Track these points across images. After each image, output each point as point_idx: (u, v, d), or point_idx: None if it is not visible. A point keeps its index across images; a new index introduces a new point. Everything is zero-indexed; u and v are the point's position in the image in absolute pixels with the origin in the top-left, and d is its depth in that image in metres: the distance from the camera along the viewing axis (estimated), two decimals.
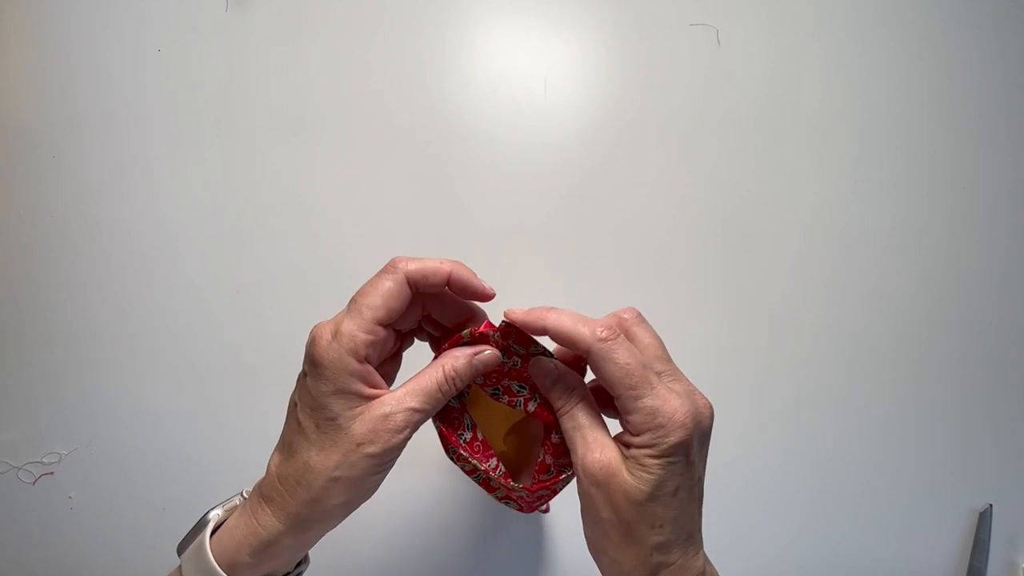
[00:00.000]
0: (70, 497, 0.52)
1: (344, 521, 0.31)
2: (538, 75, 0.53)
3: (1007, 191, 0.55)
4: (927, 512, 0.54)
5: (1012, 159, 0.55)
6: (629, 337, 0.30)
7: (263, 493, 0.30)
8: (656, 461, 0.26)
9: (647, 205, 0.54)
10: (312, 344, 0.29)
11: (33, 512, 0.51)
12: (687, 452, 0.27)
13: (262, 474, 0.32)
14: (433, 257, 0.31)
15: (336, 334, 0.28)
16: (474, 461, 0.32)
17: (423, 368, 0.31)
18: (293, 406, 0.30)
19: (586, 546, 0.30)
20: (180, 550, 0.31)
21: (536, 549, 0.52)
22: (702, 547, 0.30)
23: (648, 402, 0.27)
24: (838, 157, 0.55)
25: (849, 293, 0.54)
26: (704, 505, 0.30)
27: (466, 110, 0.53)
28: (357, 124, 0.53)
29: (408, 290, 0.30)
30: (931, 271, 0.55)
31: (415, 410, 0.29)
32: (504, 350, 0.32)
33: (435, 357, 0.32)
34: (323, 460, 0.28)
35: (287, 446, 0.30)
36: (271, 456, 0.31)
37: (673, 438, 0.26)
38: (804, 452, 0.54)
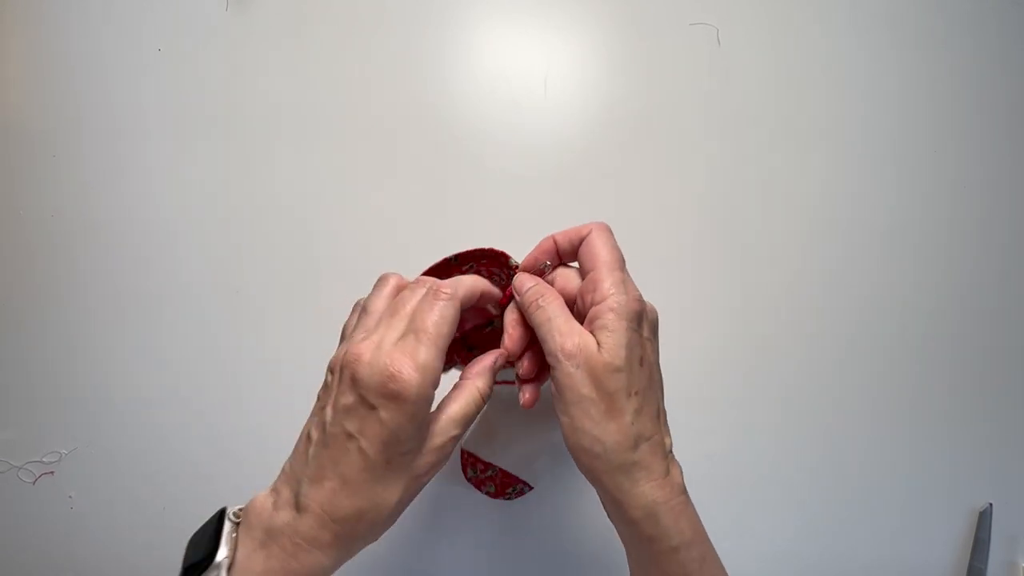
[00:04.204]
0: (70, 497, 0.52)
1: None
2: (538, 75, 0.53)
3: (1007, 191, 0.55)
4: (927, 512, 0.54)
5: (1012, 159, 0.55)
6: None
7: (303, 534, 0.28)
8: (620, 322, 0.30)
9: (646, 204, 0.54)
10: (392, 379, 0.27)
11: (33, 512, 0.51)
12: (639, 322, 0.31)
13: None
14: (464, 277, 0.34)
15: (421, 368, 0.27)
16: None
17: (457, 386, 0.32)
18: (347, 437, 0.28)
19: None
20: None
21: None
22: (668, 436, 0.32)
23: (619, 275, 0.31)
24: (838, 157, 0.55)
25: (850, 292, 0.54)
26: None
27: (466, 110, 0.53)
28: (357, 124, 0.53)
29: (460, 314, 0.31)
30: (932, 270, 0.55)
31: (457, 437, 0.31)
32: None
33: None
34: (390, 495, 0.28)
35: (340, 479, 0.28)
36: (305, 492, 0.28)
37: (630, 307, 0.30)
38: (803, 451, 0.54)
